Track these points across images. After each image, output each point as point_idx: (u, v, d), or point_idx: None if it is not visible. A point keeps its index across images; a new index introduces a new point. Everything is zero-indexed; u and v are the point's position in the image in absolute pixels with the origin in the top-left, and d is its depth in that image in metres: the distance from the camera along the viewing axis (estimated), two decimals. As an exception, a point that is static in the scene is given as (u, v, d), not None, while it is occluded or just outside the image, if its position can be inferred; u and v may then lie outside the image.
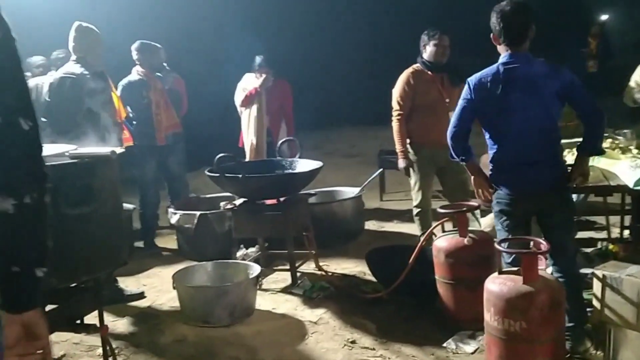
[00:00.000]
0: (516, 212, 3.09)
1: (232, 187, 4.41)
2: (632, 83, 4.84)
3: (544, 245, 2.85)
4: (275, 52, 10.36)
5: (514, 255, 3.02)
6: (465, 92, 3.12)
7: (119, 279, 4.44)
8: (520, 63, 2.96)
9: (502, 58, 3.02)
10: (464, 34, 7.63)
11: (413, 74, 4.60)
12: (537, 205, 3.07)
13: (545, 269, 3.06)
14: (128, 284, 4.56)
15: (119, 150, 3.14)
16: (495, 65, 3.03)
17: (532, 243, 2.86)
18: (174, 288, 3.81)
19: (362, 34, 12.68)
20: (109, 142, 4.11)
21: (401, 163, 4.66)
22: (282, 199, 4.42)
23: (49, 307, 2.71)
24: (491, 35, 3.05)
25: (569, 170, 3.08)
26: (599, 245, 4.36)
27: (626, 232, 4.51)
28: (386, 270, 4.10)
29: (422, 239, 3.94)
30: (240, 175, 4.10)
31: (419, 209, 4.70)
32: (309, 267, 4.65)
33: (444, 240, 3.62)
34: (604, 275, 2.74)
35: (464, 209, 3.62)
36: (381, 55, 12.19)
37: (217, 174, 4.18)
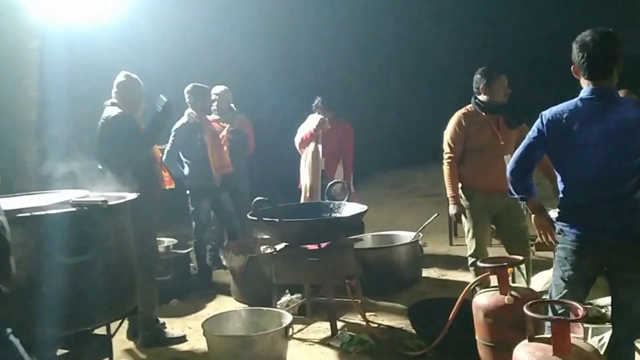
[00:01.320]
0: (581, 263, 2.71)
1: (271, 231, 4.34)
2: None
3: (581, 310, 2.51)
4: (346, 92, 10.47)
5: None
6: (536, 125, 2.83)
7: (167, 319, 4.48)
8: (603, 99, 2.66)
9: (583, 93, 2.72)
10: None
11: (465, 115, 4.35)
12: (607, 255, 2.68)
13: (584, 338, 2.69)
14: (176, 325, 4.58)
15: (130, 196, 3.12)
16: (574, 100, 2.74)
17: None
18: (204, 335, 3.75)
19: (440, 71, 12.43)
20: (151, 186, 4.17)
21: (452, 209, 4.38)
22: (323, 244, 4.28)
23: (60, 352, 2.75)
24: (572, 67, 2.78)
25: None
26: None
27: None
28: (430, 326, 3.81)
29: (462, 294, 3.63)
30: (277, 220, 4.03)
31: (473, 259, 4.38)
32: (355, 317, 4.45)
33: (483, 297, 3.30)
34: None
35: (505, 263, 3.29)
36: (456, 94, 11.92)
37: (256, 218, 4.14)
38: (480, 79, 4.32)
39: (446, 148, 4.40)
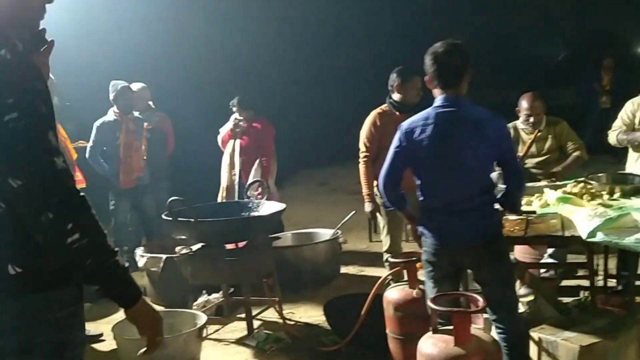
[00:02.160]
0: (442, 264, 2.86)
1: (187, 232, 4.27)
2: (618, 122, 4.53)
3: (480, 302, 2.62)
4: (271, 90, 10.43)
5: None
6: (396, 138, 2.92)
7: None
8: (455, 107, 2.76)
9: (436, 102, 2.83)
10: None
11: (380, 114, 4.43)
12: (464, 257, 2.84)
13: (483, 328, 2.80)
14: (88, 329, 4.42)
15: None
16: (428, 109, 2.84)
17: (464, 299, 2.62)
18: (114, 339, 3.65)
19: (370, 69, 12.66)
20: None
21: (367, 207, 4.46)
22: (241, 244, 4.25)
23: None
24: (425, 78, 2.87)
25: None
26: (581, 296, 4.05)
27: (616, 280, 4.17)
28: (345, 321, 3.86)
29: (374, 289, 3.70)
30: (192, 220, 3.96)
31: (388, 255, 4.46)
32: (273, 315, 4.44)
33: (394, 292, 3.39)
34: (539, 338, 2.48)
35: (414, 258, 3.38)
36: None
37: (171, 218, 4.05)
38: (395, 78, 4.40)
39: (362, 147, 4.47)
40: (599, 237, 2.83)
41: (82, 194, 1.50)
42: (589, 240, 2.87)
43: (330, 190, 10.40)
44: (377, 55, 11.53)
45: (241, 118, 5.34)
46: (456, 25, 12.27)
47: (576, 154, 4.53)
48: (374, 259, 5.94)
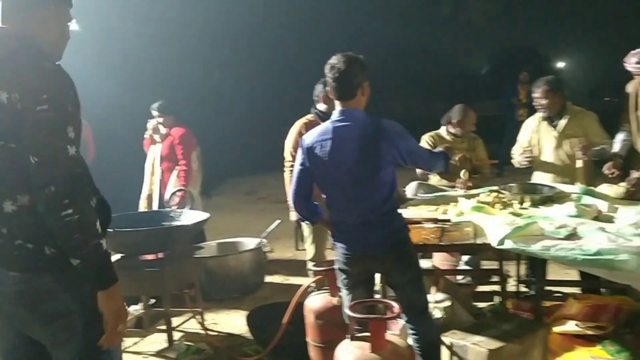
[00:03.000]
0: (353, 271, 2.93)
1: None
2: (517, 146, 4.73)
3: (396, 308, 2.68)
4: (200, 98, 10.28)
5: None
6: (299, 154, 2.95)
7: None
8: (349, 121, 2.80)
9: (333, 115, 2.87)
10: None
11: (306, 124, 4.47)
12: (374, 264, 2.91)
13: (399, 334, 2.87)
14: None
15: None
16: (326, 124, 2.89)
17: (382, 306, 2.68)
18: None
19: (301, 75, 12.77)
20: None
21: (292, 216, 4.49)
22: (161, 254, 4.16)
23: None
24: (327, 89, 2.93)
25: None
26: (495, 301, 4.21)
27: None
28: (267, 331, 3.84)
29: (295, 297, 3.71)
30: (111, 230, 3.83)
31: (312, 263, 4.50)
32: (195, 326, 4.37)
33: (315, 300, 3.42)
34: (451, 343, 2.56)
35: (335, 266, 3.41)
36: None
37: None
38: (321, 89, 4.45)
39: (287, 156, 4.49)
40: (508, 244, 2.96)
41: (87, 182, 1.83)
42: (498, 247, 3.00)
43: (257, 199, 10.38)
44: (304, 65, 11.62)
45: (157, 124, 5.24)
46: (383, 39, 12.56)
47: (484, 171, 4.76)
48: (300, 268, 5.95)
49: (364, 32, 12.86)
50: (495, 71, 16.88)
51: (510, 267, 4.50)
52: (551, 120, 4.46)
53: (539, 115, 4.54)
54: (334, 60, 2.82)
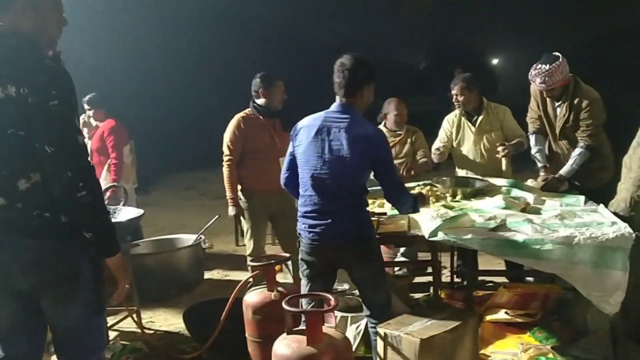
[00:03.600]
0: (315, 262, 2.98)
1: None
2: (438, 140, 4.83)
3: (332, 301, 2.71)
4: (137, 93, 10.04)
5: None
6: (291, 137, 3.06)
7: None
8: (345, 114, 2.89)
9: (332, 107, 2.97)
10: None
11: (244, 118, 4.44)
12: (337, 256, 2.96)
13: (335, 326, 2.91)
14: None
15: None
16: (320, 112, 2.98)
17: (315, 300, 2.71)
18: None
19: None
20: None
21: (231, 210, 4.45)
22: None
23: None
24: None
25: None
26: (430, 291, 4.31)
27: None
28: (205, 328, 3.80)
29: (233, 293, 3.69)
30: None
31: (251, 258, 4.48)
32: (131, 325, 4.28)
33: (253, 295, 3.41)
34: (385, 334, 2.61)
35: (273, 261, 3.43)
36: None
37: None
38: (259, 83, 4.43)
39: (226, 150, 4.45)
40: (440, 236, 3.04)
41: (92, 165, 2.12)
42: (431, 239, 3.08)
43: (197, 195, 10.26)
44: (244, 59, 11.56)
45: (90, 114, 5.10)
46: (324, 33, 12.61)
47: (424, 159, 4.83)
48: (240, 263, 5.92)
49: (303, 28, 12.88)
50: (432, 66, 17.24)
51: (446, 259, 4.63)
52: (470, 116, 4.61)
53: (457, 111, 4.68)
54: (344, 58, 2.94)
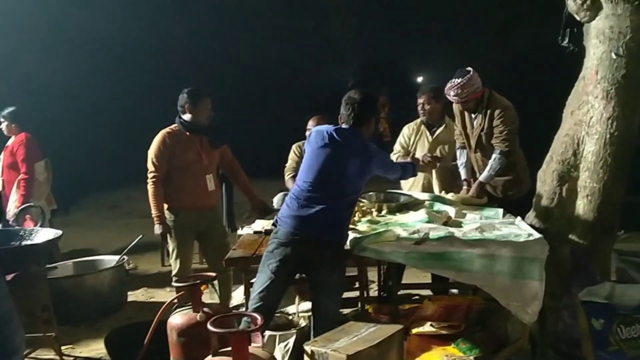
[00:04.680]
0: (287, 255, 3.04)
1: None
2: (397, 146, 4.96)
3: (259, 320, 2.67)
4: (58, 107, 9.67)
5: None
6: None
7: None
8: (355, 131, 3.21)
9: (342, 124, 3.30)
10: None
11: (169, 134, 4.35)
12: (307, 252, 3.03)
13: (262, 346, 2.87)
14: None
15: None
16: (330, 126, 3.29)
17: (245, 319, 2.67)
18: None
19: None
20: None
21: (157, 229, 4.32)
22: (9, 276, 3.82)
23: None
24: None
25: None
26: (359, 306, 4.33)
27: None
28: (128, 352, 3.66)
29: (157, 316, 3.58)
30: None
31: (176, 278, 4.36)
32: (49, 352, 4.06)
33: (177, 317, 3.31)
34: (312, 351, 2.60)
35: (198, 281, 3.35)
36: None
37: None
38: (186, 99, 4.35)
39: (150, 167, 4.33)
40: (365, 250, 3.08)
41: None
42: (357, 253, 3.12)
43: (121, 214, 9.97)
44: (170, 74, 11.37)
45: (2, 128, 4.86)
46: (250, 51, 12.61)
47: None
48: (166, 284, 5.77)
49: (232, 44, 12.83)
50: (359, 83, 17.55)
51: (373, 273, 4.68)
52: (430, 126, 4.78)
53: (419, 120, 4.82)
54: (352, 93, 3.30)
